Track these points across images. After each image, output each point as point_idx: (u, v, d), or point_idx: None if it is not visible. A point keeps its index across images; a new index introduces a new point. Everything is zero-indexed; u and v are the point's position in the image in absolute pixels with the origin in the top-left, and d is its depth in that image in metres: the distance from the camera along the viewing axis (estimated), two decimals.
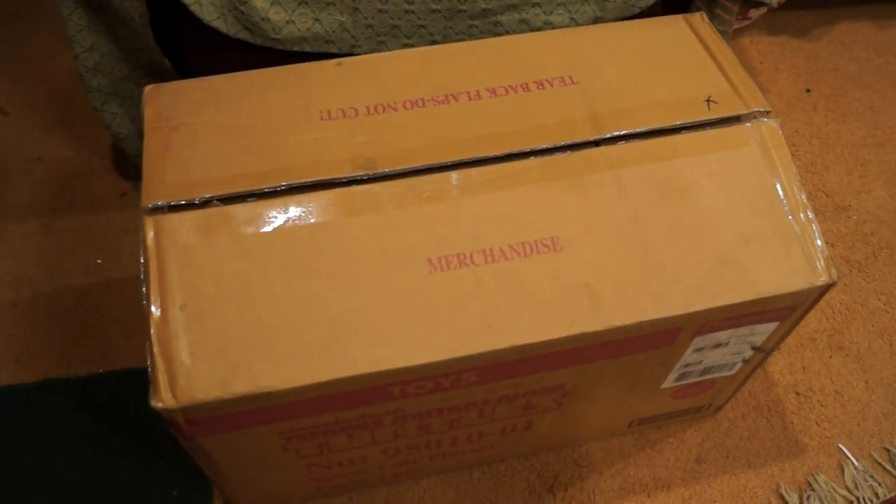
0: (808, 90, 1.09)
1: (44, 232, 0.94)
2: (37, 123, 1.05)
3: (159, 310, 0.54)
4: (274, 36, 0.77)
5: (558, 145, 0.61)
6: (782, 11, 1.15)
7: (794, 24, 1.16)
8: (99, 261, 0.92)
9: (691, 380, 0.70)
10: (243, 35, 0.78)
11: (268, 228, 0.57)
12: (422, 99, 0.64)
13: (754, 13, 0.98)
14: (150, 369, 0.52)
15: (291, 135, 0.61)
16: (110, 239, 0.94)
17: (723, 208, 0.59)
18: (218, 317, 0.54)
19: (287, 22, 0.77)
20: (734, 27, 0.99)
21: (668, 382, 0.69)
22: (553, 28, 0.77)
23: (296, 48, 0.79)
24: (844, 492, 0.78)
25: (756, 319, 0.61)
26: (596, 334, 0.56)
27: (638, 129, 0.61)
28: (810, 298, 0.60)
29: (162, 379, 0.52)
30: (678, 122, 0.62)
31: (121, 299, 0.89)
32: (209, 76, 0.66)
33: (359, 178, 0.59)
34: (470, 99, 0.64)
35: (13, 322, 0.88)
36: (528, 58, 0.67)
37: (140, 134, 0.61)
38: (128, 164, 0.99)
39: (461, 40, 0.79)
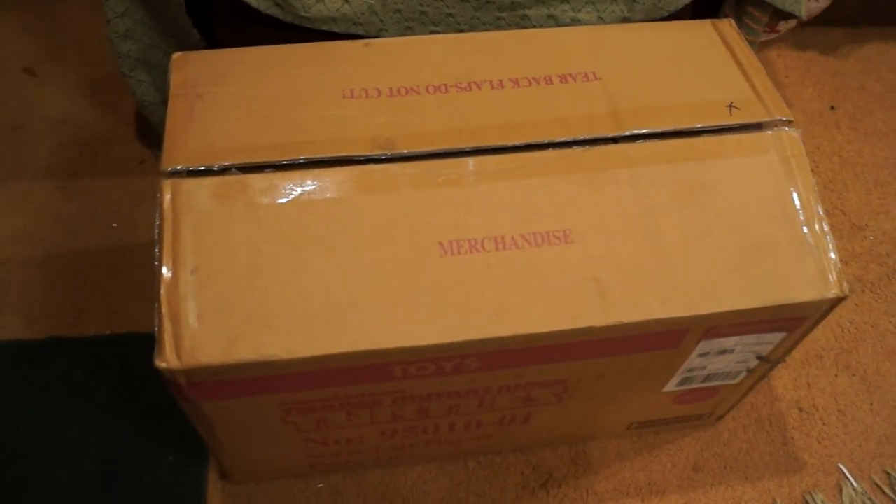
0: (832, 107, 1.08)
1: (63, 193, 0.95)
2: (64, 86, 1.06)
3: (170, 272, 0.54)
4: (303, 14, 0.78)
5: (577, 139, 0.61)
6: (811, 27, 1.15)
7: (823, 41, 1.16)
8: (115, 225, 0.93)
9: (694, 385, 0.70)
10: (273, 11, 0.78)
11: (283, 200, 0.57)
12: (445, 85, 0.64)
13: (783, 26, 0.98)
14: (156, 329, 0.53)
15: (314, 110, 0.61)
16: (127, 204, 0.94)
17: (737, 214, 0.59)
18: (227, 283, 0.54)
19: (317, 1, 0.77)
20: (762, 39, 0.99)
21: (671, 386, 0.69)
22: (580, 25, 0.77)
23: (324, 27, 0.79)
24: None
25: (763, 328, 0.61)
26: (601, 329, 0.56)
27: (658, 129, 0.61)
28: (820, 311, 0.60)
29: (168, 340, 0.53)
30: (699, 125, 0.62)
31: (133, 264, 0.90)
32: (237, 48, 0.67)
33: (377, 157, 0.59)
34: (492, 88, 0.64)
35: (26, 279, 0.89)
36: (553, 51, 0.67)
37: (165, 102, 0.62)
38: (150, 132, 0.99)
39: (488, 31, 0.79)
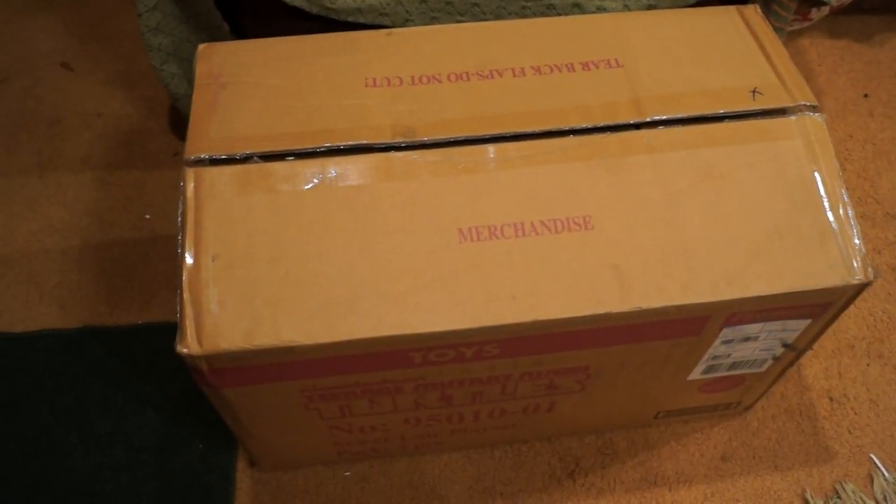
0: (865, 95, 1.06)
1: (98, 185, 0.97)
2: (99, 80, 1.08)
3: (193, 259, 0.55)
4: (329, 5, 0.78)
5: (598, 126, 0.60)
6: (845, 15, 1.13)
7: (857, 29, 1.13)
8: (147, 216, 0.95)
9: (719, 374, 0.69)
10: (299, 3, 0.79)
11: (304, 187, 0.58)
12: (466, 73, 0.64)
13: (815, 14, 0.96)
14: (178, 316, 0.54)
15: (336, 99, 0.62)
16: (160, 196, 0.96)
17: (760, 199, 0.58)
18: (248, 270, 0.55)
19: None
20: (795, 28, 0.97)
21: (696, 374, 0.69)
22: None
23: (350, 19, 0.80)
24: (872, 502, 0.77)
25: (787, 314, 0.60)
26: (621, 315, 0.56)
27: (680, 115, 0.61)
28: (844, 297, 0.59)
29: (189, 326, 0.54)
30: (722, 111, 0.61)
31: (166, 255, 0.91)
32: (261, 39, 0.67)
33: (397, 144, 0.59)
34: (514, 75, 0.64)
35: (62, 269, 0.91)
36: (575, 39, 0.66)
37: None
38: (183, 125, 1.00)
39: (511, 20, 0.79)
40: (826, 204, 0.59)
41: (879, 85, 1.08)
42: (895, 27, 1.14)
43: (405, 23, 0.81)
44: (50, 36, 1.12)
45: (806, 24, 1.01)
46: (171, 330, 0.55)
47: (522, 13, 0.80)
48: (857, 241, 0.58)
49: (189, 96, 0.93)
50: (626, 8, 0.79)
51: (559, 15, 0.79)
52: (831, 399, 0.83)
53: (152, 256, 0.91)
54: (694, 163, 0.59)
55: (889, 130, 1.03)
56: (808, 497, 0.77)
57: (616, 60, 0.65)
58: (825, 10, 0.98)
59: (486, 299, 0.55)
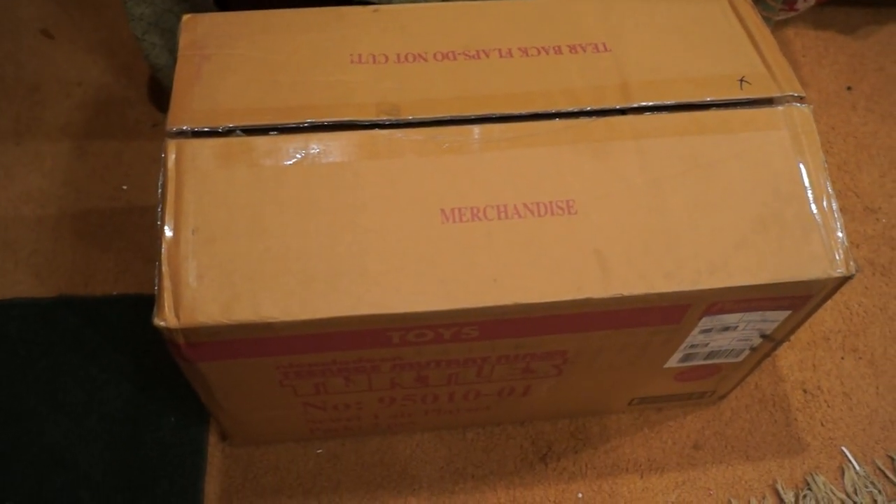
0: (848, 88, 1.06)
1: (76, 154, 0.96)
2: (80, 49, 1.06)
3: (172, 231, 0.54)
4: None
5: (584, 109, 0.60)
6: (830, 7, 1.13)
7: (842, 21, 1.13)
8: (125, 187, 0.93)
9: (696, 362, 0.70)
10: None
11: (287, 162, 0.57)
12: (453, 52, 0.63)
13: (801, 4, 0.96)
14: (156, 288, 0.53)
15: (320, 74, 0.61)
16: (138, 167, 0.95)
17: (745, 189, 0.58)
18: (228, 244, 0.54)
19: None
20: (780, 18, 0.97)
21: (672, 362, 0.69)
22: None
23: None
24: (842, 495, 0.77)
25: (768, 305, 0.61)
26: (602, 301, 0.56)
27: (667, 102, 0.61)
28: (826, 289, 0.59)
29: (167, 298, 0.53)
30: (709, 99, 0.61)
31: (142, 226, 0.90)
32: (247, 11, 0.66)
33: (381, 122, 0.59)
34: (501, 56, 0.63)
35: (37, 238, 0.89)
36: (563, 21, 0.66)
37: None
38: (163, 96, 1.00)
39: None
40: (810, 196, 0.59)
41: (863, 78, 1.08)
42: (880, 20, 1.14)
43: (389, 0, 0.80)
44: (31, 2, 1.10)
45: (792, 14, 1.01)
46: (145, 301, 0.54)
47: None
48: (840, 235, 0.58)
49: (170, 67, 0.92)
50: None
51: None
52: (805, 391, 0.83)
53: (128, 227, 0.90)
54: (680, 150, 0.59)
55: (871, 124, 1.03)
56: (779, 488, 0.78)
57: (604, 45, 0.65)
58: (811, 1, 0.98)
59: (467, 281, 0.55)
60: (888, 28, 1.14)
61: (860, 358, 0.86)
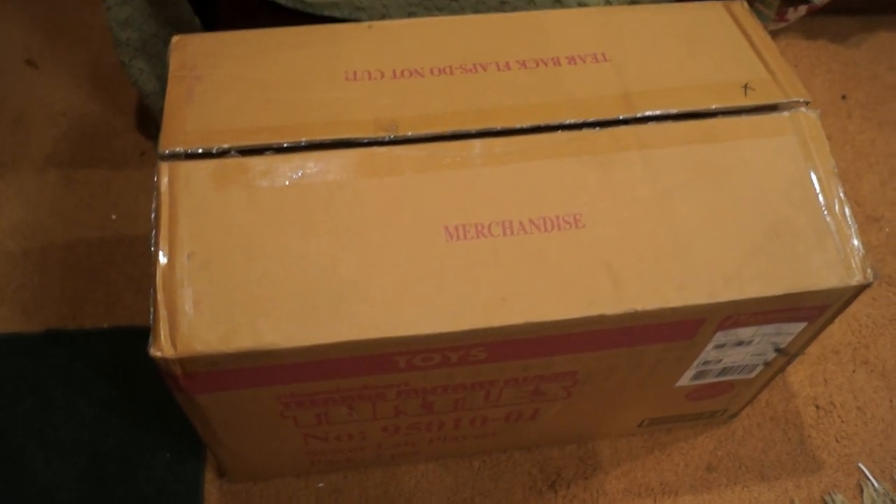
0: (843, 97, 1.06)
1: (62, 184, 0.94)
2: (65, 78, 1.04)
3: (166, 257, 0.52)
4: None
5: (587, 121, 0.58)
6: (821, 16, 1.12)
7: (834, 29, 1.13)
8: (114, 216, 0.91)
9: (708, 380, 0.68)
10: None
11: (283, 183, 0.55)
12: (450, 66, 0.62)
13: (792, 15, 0.96)
14: (151, 317, 0.51)
15: (315, 92, 0.60)
16: (127, 196, 0.93)
17: (755, 197, 0.57)
18: (225, 269, 0.52)
19: None
20: (771, 28, 0.97)
21: (685, 380, 0.67)
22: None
23: (326, 13, 0.77)
24: None
25: (783, 317, 0.59)
26: (615, 318, 0.54)
27: (671, 111, 0.59)
28: (842, 299, 0.58)
29: (163, 327, 0.51)
30: (713, 107, 0.60)
31: (132, 256, 0.88)
32: (238, 31, 0.65)
33: (380, 139, 0.57)
34: (499, 69, 0.62)
35: (23, 271, 0.87)
36: (561, 33, 0.65)
37: (164, 92, 0.60)
38: (150, 124, 0.98)
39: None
40: (822, 202, 0.57)
41: (857, 86, 1.07)
42: (870, 28, 1.14)
43: (382, 17, 0.79)
44: (15, 32, 1.09)
45: (782, 24, 1.00)
46: (137, 334, 0.52)
47: (502, 8, 0.78)
48: (855, 242, 0.56)
49: (158, 93, 0.90)
50: (608, 3, 0.77)
51: (539, 10, 0.77)
52: (818, 407, 0.81)
53: (118, 258, 0.88)
54: (687, 159, 0.58)
55: (868, 132, 1.02)
56: None
57: (603, 55, 0.63)
58: (802, 11, 0.97)
59: (475, 301, 0.53)
60: (879, 35, 1.13)
61: (872, 370, 0.84)
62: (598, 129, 0.59)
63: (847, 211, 0.57)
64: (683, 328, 0.57)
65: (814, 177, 0.58)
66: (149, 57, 0.87)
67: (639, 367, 0.62)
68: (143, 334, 0.51)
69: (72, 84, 1.03)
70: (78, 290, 0.86)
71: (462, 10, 0.78)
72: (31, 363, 0.80)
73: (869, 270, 0.56)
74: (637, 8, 0.69)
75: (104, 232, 0.90)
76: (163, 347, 0.50)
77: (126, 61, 0.86)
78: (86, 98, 1.02)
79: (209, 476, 0.75)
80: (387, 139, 0.57)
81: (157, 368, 0.51)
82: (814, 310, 0.58)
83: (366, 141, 0.57)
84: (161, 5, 0.83)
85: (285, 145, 0.56)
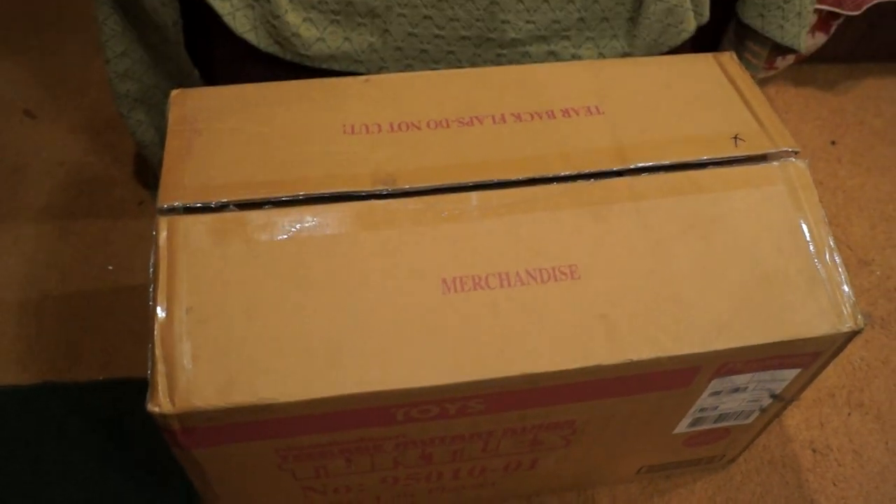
0: (832, 143, 1.07)
1: (59, 235, 0.94)
2: (63, 128, 1.05)
3: (165, 312, 0.52)
4: (303, 52, 0.77)
5: (581, 173, 0.59)
6: (809, 64, 1.15)
7: (821, 77, 1.15)
8: (111, 267, 0.91)
9: (705, 426, 0.68)
10: (273, 49, 0.77)
11: (282, 237, 0.55)
12: (446, 119, 0.63)
13: (780, 63, 0.97)
14: (149, 372, 0.51)
15: (313, 146, 0.60)
16: (124, 246, 0.93)
17: (747, 246, 0.57)
18: (223, 323, 0.53)
19: (318, 39, 0.77)
20: (761, 76, 0.98)
21: (682, 427, 0.67)
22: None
23: (324, 65, 0.79)
24: None
25: (777, 364, 0.59)
26: (611, 368, 0.54)
27: (663, 162, 0.60)
28: (834, 345, 0.58)
29: (161, 382, 0.51)
30: (704, 158, 0.61)
31: (129, 307, 0.88)
32: (236, 85, 0.66)
33: (378, 192, 0.58)
34: (494, 122, 0.63)
35: (19, 323, 0.87)
36: (554, 86, 0.66)
37: (163, 143, 0.61)
38: (148, 174, 0.99)
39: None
40: (812, 250, 0.58)
41: (846, 132, 1.09)
42: (857, 75, 1.16)
43: (379, 70, 0.80)
44: (13, 83, 1.10)
45: (771, 72, 1.02)
46: (134, 386, 0.52)
47: (498, 61, 0.79)
48: (845, 288, 0.57)
49: (156, 144, 0.91)
50: (602, 56, 0.79)
51: (534, 62, 0.79)
52: (814, 450, 0.82)
53: (115, 309, 0.88)
54: (679, 210, 0.59)
55: (858, 177, 1.04)
56: None
57: (596, 107, 0.64)
58: (790, 59, 0.99)
59: (472, 352, 0.53)
60: (866, 82, 1.15)
61: (866, 413, 0.84)
62: (592, 180, 0.59)
63: (837, 258, 0.58)
64: (679, 376, 0.58)
65: (804, 225, 0.59)
66: (148, 108, 0.88)
67: (636, 415, 0.63)
68: (141, 386, 0.51)
69: (70, 135, 1.04)
70: (74, 342, 0.86)
71: (458, 63, 0.79)
72: (28, 416, 0.80)
73: (860, 317, 0.56)
74: (629, 61, 0.70)
75: (101, 282, 0.90)
76: (161, 403, 0.50)
77: (125, 113, 0.87)
78: (84, 148, 1.03)
79: None
80: (384, 192, 0.58)
81: (154, 422, 0.51)
82: (807, 356, 0.59)
83: (364, 194, 0.58)
84: (161, 57, 0.85)
85: (284, 199, 0.57)
